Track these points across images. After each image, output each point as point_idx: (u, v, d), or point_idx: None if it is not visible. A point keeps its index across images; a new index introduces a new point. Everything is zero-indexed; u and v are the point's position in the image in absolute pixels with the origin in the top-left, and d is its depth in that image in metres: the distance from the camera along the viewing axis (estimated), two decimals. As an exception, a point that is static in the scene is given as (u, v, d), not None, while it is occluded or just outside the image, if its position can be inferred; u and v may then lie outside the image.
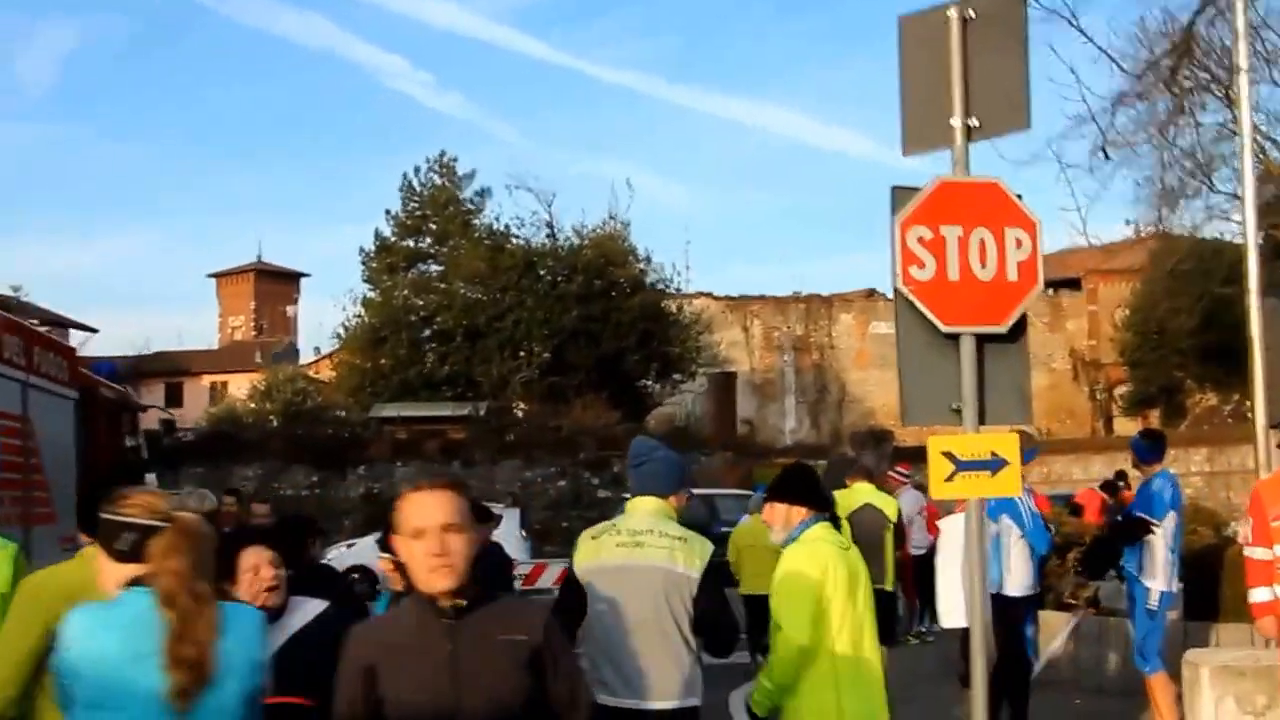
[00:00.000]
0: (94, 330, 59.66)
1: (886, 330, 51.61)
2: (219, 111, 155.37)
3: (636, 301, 49.65)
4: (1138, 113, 15.21)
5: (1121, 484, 23.47)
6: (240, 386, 61.91)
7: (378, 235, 56.43)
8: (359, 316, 53.50)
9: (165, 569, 4.27)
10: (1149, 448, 12.00)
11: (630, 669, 6.49)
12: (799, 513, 7.00)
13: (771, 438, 58.21)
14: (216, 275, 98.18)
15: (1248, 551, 9.49)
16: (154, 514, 4.46)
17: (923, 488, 16.42)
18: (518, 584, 20.60)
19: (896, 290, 7.37)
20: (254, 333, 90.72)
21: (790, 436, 59.95)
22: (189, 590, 4.25)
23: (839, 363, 63.11)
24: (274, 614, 5.77)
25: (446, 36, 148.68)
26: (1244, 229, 13.07)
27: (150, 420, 22.42)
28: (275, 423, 48.29)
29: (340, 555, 28.34)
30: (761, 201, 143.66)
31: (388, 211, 56.81)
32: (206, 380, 72.64)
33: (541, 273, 50.22)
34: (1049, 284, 57.10)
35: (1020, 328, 7.55)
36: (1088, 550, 15.71)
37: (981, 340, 7.37)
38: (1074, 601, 15.58)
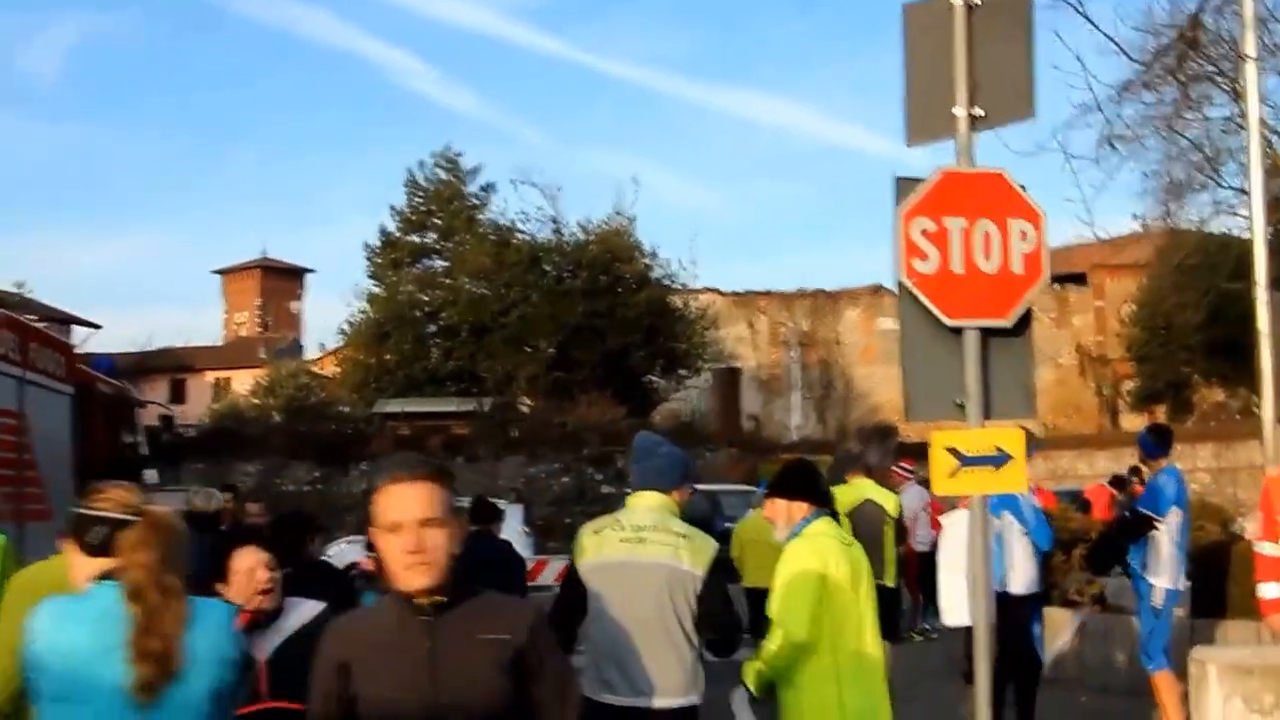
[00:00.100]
0: (97, 326, 59.78)
1: (893, 326, 51.53)
2: (225, 107, 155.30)
3: (642, 297, 49.61)
4: (1144, 105, 15.10)
5: (1135, 479, 23.38)
6: (245, 383, 61.89)
7: (382, 230, 56.46)
8: (363, 312, 53.54)
9: (134, 562, 4.26)
10: (1155, 443, 11.90)
11: (632, 666, 6.42)
12: (800, 508, 6.95)
13: (777, 433, 58.12)
14: (221, 271, 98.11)
15: (1257, 547, 9.38)
16: (124, 508, 4.44)
17: (927, 483, 16.34)
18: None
19: (899, 283, 7.26)
20: (259, 329, 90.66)
21: (796, 432, 59.84)
22: (157, 584, 4.24)
23: (845, 358, 63.03)
24: (269, 616, 5.69)
25: (453, 31, 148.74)
26: (1251, 223, 12.96)
27: (151, 416, 22.34)
28: (278, 419, 48.26)
29: (341, 551, 28.32)
30: (768, 197, 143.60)
31: (392, 207, 56.87)
32: (211, 376, 72.60)
33: (547, 268, 50.23)
34: (1055, 279, 57.23)
35: (1025, 321, 7.45)
36: (1093, 546, 15.60)
37: (985, 334, 7.27)
38: (1079, 598, 15.48)
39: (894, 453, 24.05)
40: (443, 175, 56.70)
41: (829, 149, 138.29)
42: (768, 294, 64.40)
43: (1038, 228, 7.34)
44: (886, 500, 13.84)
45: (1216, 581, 13.96)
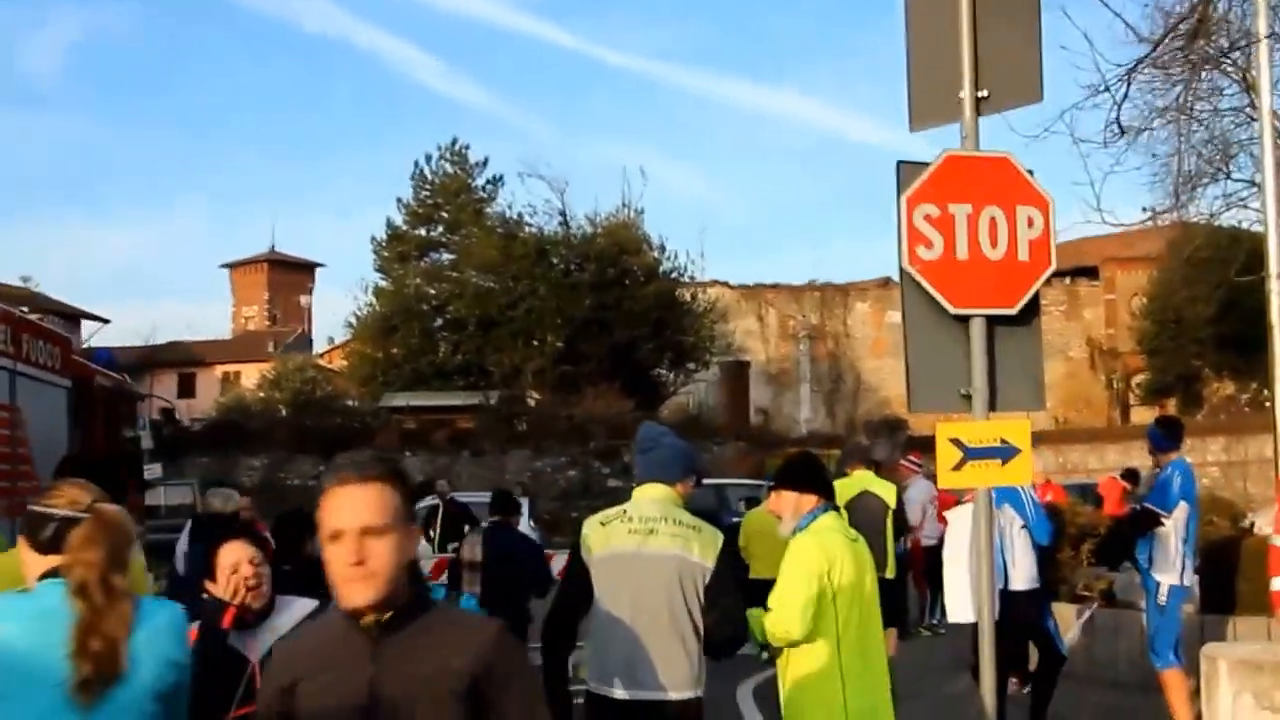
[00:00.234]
0: (106, 321, 59.75)
1: (901, 318, 51.48)
2: (231, 101, 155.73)
3: (650, 290, 49.57)
4: (1153, 96, 14.93)
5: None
6: (254, 377, 61.94)
7: (389, 224, 56.53)
8: (370, 305, 53.54)
9: (80, 560, 4.17)
10: (1164, 435, 11.71)
11: (637, 659, 6.32)
12: (809, 500, 6.80)
13: (786, 427, 58.03)
14: (230, 266, 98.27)
15: (1274, 539, 9.22)
16: (75, 506, 4.35)
17: (935, 477, 16.25)
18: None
19: (902, 270, 7.12)
20: (268, 323, 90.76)
21: (805, 426, 59.73)
22: (102, 583, 4.14)
23: (854, 351, 62.99)
24: (260, 615, 5.56)
25: (459, 22, 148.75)
26: (1263, 216, 12.82)
27: (154, 410, 22.25)
28: (284, 413, 48.19)
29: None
30: (777, 189, 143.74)
31: (399, 200, 56.93)
32: (220, 371, 72.65)
33: (554, 261, 50.20)
34: (1066, 272, 57.16)
35: (1032, 310, 7.34)
36: (1101, 541, 15.48)
37: (991, 323, 7.15)
38: (1088, 593, 15.32)
39: (902, 446, 23.93)
40: (450, 169, 56.73)
41: (839, 141, 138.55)
42: (776, 287, 64.35)
43: (1045, 214, 7.22)
44: (886, 491, 13.81)
45: (1226, 577, 13.81)
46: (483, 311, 49.20)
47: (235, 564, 5.60)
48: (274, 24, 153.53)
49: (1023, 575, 11.64)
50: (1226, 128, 16.38)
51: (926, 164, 7.13)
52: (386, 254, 56.04)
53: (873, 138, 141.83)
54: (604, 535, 6.55)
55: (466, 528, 21.03)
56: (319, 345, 76.00)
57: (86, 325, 55.90)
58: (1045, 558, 12.25)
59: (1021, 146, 12.13)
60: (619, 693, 6.32)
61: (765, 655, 6.96)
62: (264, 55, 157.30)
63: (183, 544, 14.57)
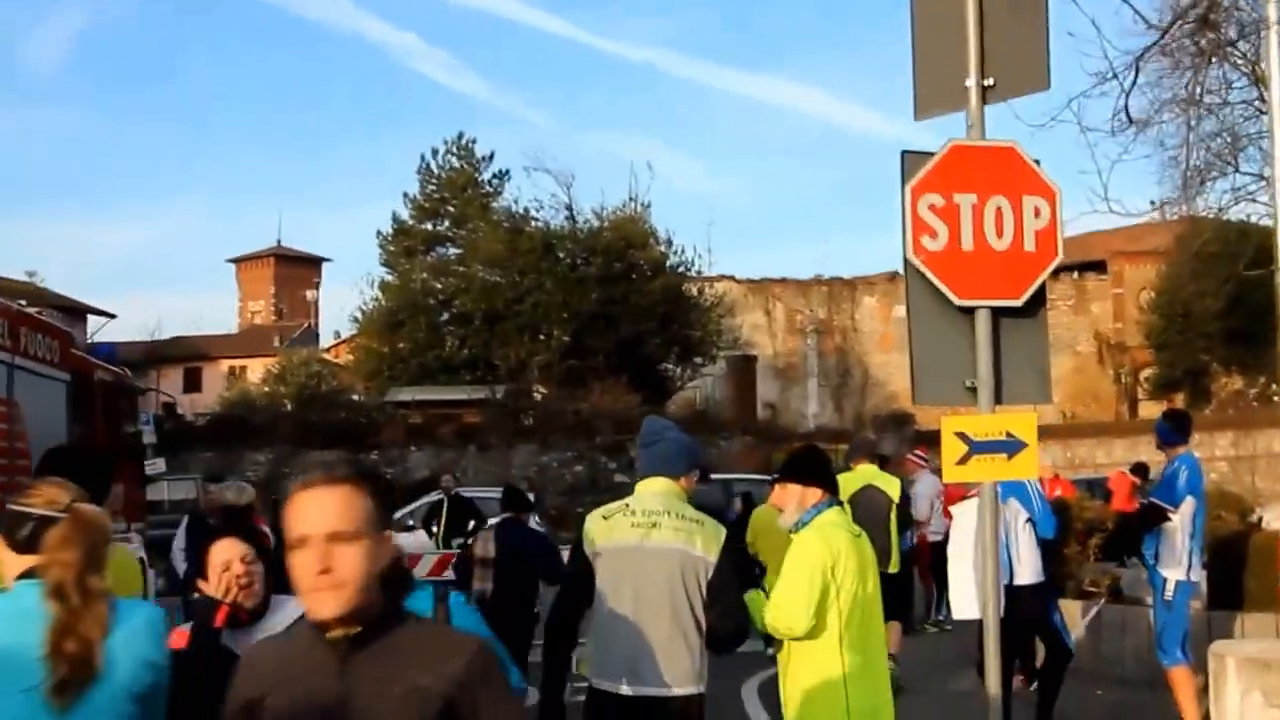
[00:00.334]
0: (112, 316, 59.64)
1: (908, 313, 51.42)
2: (236, 94, 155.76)
3: (657, 284, 49.44)
4: (1161, 84, 14.84)
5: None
6: (259, 372, 61.94)
7: (395, 218, 56.52)
8: (376, 300, 53.52)
9: (57, 560, 4.14)
10: (1172, 429, 11.60)
11: (639, 654, 6.29)
12: (814, 494, 6.73)
13: (794, 422, 57.91)
14: (236, 260, 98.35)
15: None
16: (53, 505, 4.31)
17: (941, 471, 16.18)
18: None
19: (907, 261, 7.03)
20: (274, 317, 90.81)
21: (813, 420, 59.65)
22: (79, 584, 4.11)
23: (862, 346, 62.88)
24: (253, 613, 5.47)
25: (464, 14, 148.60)
26: (1272, 210, 12.72)
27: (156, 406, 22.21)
28: (289, 407, 48.15)
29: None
30: (784, 184, 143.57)
31: (406, 194, 56.92)
32: (226, 365, 72.66)
33: (561, 255, 50.10)
34: (1074, 267, 57.10)
35: (1039, 301, 7.26)
36: (1109, 536, 15.41)
37: (997, 314, 7.06)
38: (1094, 589, 15.24)
39: (910, 441, 23.92)
40: (456, 162, 56.67)
41: (846, 135, 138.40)
42: (783, 281, 64.24)
43: (1052, 204, 7.14)
44: (889, 486, 13.79)
45: (1234, 573, 13.72)
46: (489, 306, 49.12)
47: (227, 562, 5.51)
48: (278, 16, 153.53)
49: (1028, 570, 11.55)
50: (1235, 121, 16.33)
51: (931, 153, 7.05)
52: (392, 248, 56.07)
53: (882, 131, 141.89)
54: (606, 529, 6.52)
55: (473, 523, 21.00)
56: (326, 340, 76.03)
57: (93, 320, 55.96)
58: (1050, 552, 12.17)
59: (1027, 135, 12.06)
60: (621, 688, 6.29)
61: (771, 651, 6.90)
62: (268, 48, 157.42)
63: (179, 540, 14.52)
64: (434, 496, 24.12)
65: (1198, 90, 14.37)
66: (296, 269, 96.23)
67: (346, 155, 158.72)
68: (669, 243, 52.01)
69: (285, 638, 3.70)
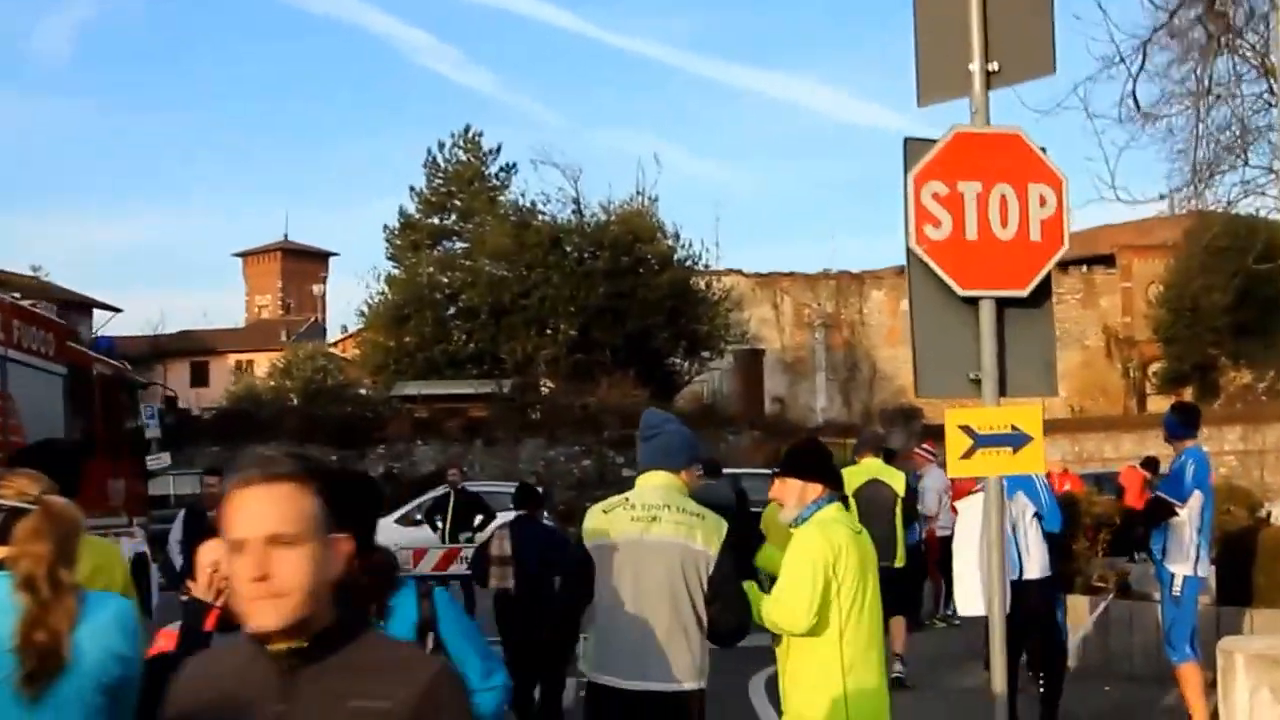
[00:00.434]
0: (118, 310, 59.71)
1: (916, 307, 51.38)
2: (244, 89, 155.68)
3: (665, 278, 49.41)
4: (1168, 78, 14.72)
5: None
6: (266, 366, 61.91)
7: (402, 212, 56.47)
8: (382, 294, 53.44)
9: (27, 552, 4.08)
10: (1180, 423, 11.47)
11: (639, 648, 6.26)
12: (814, 489, 6.62)
13: (802, 416, 57.89)
14: (243, 254, 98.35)
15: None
16: (23, 496, 4.30)
17: (947, 466, 16.10)
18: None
19: (909, 250, 6.90)
20: (281, 312, 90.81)
21: (821, 415, 59.61)
22: (49, 576, 4.05)
23: (870, 340, 62.88)
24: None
25: (471, 8, 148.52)
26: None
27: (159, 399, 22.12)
28: (295, 401, 48.13)
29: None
30: (792, 177, 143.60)
31: (412, 188, 56.82)
32: (233, 360, 72.65)
33: (568, 249, 50.09)
34: (1082, 260, 56.96)
35: (1044, 292, 7.14)
36: (1117, 531, 15.32)
37: (1001, 305, 6.95)
38: (1103, 584, 15.13)
39: (918, 434, 23.83)
40: (463, 156, 56.60)
41: (855, 130, 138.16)
42: (791, 275, 64.21)
43: (1058, 192, 7.03)
44: (895, 480, 13.71)
45: (1243, 568, 13.62)
46: (496, 300, 49.11)
47: (216, 562, 5.37)
48: (284, 10, 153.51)
49: (1036, 564, 11.45)
50: (1245, 113, 16.21)
51: (934, 140, 6.93)
52: (399, 242, 56.06)
53: (890, 125, 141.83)
54: (606, 523, 6.48)
55: (480, 518, 20.94)
56: (333, 334, 76.03)
57: (99, 315, 55.96)
58: (1056, 547, 12.06)
59: (1033, 122, 11.90)
60: (620, 682, 6.26)
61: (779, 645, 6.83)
62: (274, 41, 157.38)
63: (176, 532, 14.48)
64: (440, 491, 24.05)
65: (1206, 81, 14.24)
66: (303, 263, 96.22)
67: (353, 150, 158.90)
68: (676, 237, 52.05)
69: (228, 649, 3.31)
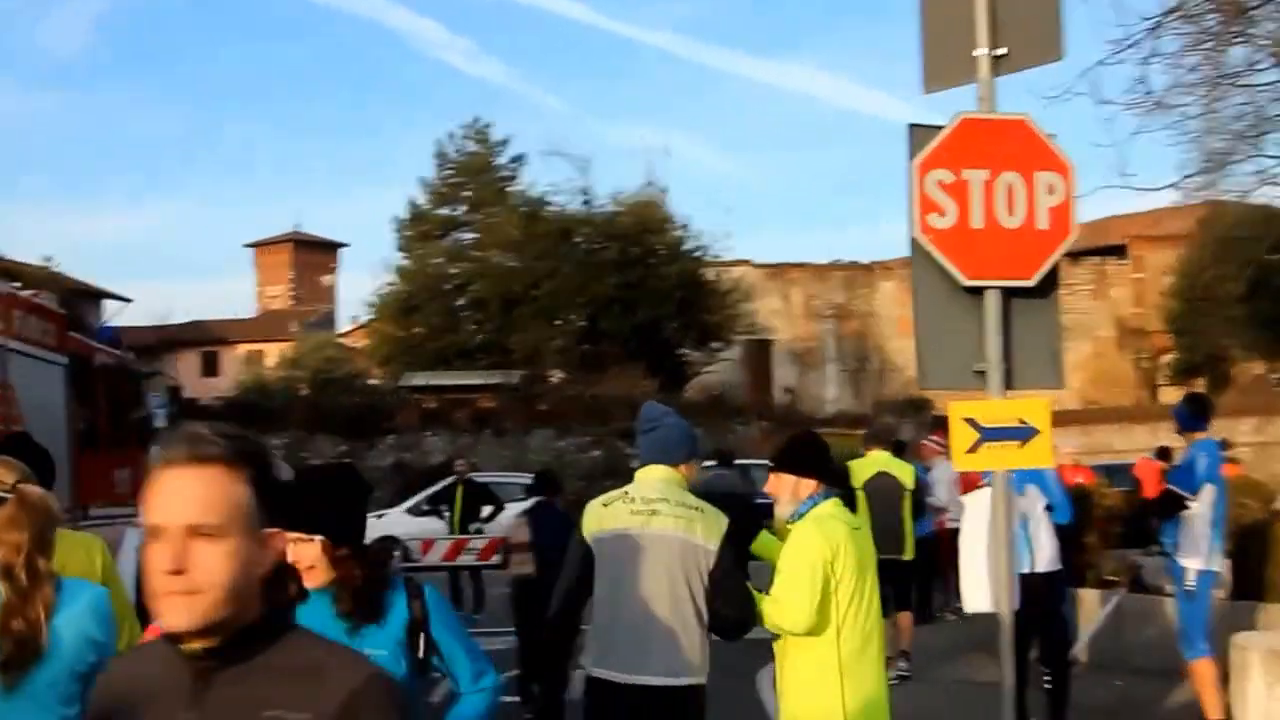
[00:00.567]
0: (128, 300, 59.66)
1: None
2: (252, 79, 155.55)
3: (674, 269, 49.43)
4: (1180, 66, 14.57)
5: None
6: (276, 356, 61.91)
7: (411, 203, 56.39)
8: (391, 285, 53.45)
9: (3, 541, 4.18)
10: (1191, 414, 11.32)
11: (638, 641, 6.26)
12: (808, 485, 6.56)
13: (812, 407, 57.79)
14: (253, 245, 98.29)
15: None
16: None
17: (955, 459, 16.00)
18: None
19: (913, 239, 6.78)
20: (292, 302, 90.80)
21: (831, 406, 59.53)
22: (26, 565, 4.15)
23: (880, 331, 62.71)
24: None
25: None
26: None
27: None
28: (304, 391, 48.12)
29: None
30: (802, 168, 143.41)
31: (421, 179, 56.82)
32: (243, 350, 72.69)
33: (577, 240, 50.10)
34: (1093, 251, 56.78)
35: (1051, 282, 7.02)
36: (1130, 521, 15.22)
37: (1007, 295, 6.83)
38: (1115, 578, 15.03)
39: (928, 426, 23.75)
40: (472, 147, 56.56)
41: (863, 119, 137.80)
42: (801, 266, 64.09)
43: (1067, 180, 6.93)
44: (903, 473, 13.65)
45: (1257, 562, 13.51)
46: (505, 291, 49.12)
47: None
48: (302, 4, 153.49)
49: (1045, 557, 11.34)
50: (1260, 103, 16.09)
51: (940, 127, 6.81)
52: (409, 233, 56.00)
53: (901, 115, 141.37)
54: (606, 516, 6.48)
55: (490, 508, 20.92)
56: (343, 325, 76.03)
57: (110, 306, 55.96)
58: (1067, 540, 11.96)
59: (1040, 108, 11.75)
60: (620, 676, 6.26)
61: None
62: (286, 32, 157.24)
63: None
64: (448, 481, 24.08)
65: (1219, 55, 14.09)
66: (314, 254, 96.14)
67: (365, 141, 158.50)
68: (685, 227, 52.01)
69: (150, 648, 2.99)
